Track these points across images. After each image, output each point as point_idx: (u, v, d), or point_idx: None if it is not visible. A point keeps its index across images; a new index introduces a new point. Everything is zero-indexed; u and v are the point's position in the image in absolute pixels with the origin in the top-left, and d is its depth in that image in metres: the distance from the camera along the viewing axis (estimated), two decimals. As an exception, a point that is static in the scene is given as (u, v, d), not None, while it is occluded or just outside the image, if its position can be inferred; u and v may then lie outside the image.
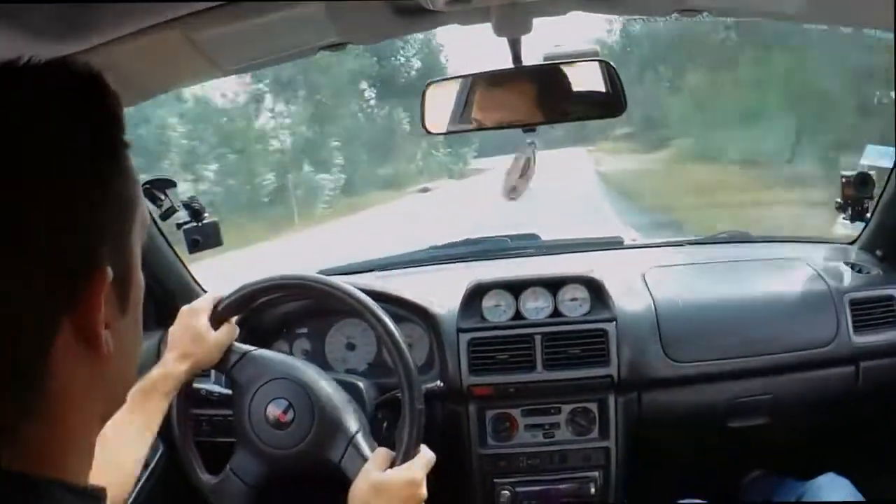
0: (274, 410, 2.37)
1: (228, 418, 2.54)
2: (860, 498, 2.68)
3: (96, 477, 1.01)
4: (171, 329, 2.41)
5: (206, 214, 3.04)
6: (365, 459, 2.21)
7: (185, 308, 2.45)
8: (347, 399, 2.44)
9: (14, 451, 0.90)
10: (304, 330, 3.04)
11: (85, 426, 0.99)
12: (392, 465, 2.18)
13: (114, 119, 0.99)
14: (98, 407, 1.00)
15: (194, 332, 2.37)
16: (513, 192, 2.69)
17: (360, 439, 2.32)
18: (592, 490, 2.89)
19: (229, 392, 2.53)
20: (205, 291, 3.26)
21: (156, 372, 2.25)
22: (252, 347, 2.49)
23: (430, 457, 2.24)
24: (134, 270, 1.03)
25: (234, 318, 2.49)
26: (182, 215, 3.02)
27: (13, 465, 0.89)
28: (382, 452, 2.21)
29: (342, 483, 2.21)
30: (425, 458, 2.23)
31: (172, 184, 2.99)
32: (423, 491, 2.15)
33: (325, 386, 2.42)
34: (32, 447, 0.91)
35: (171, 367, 2.28)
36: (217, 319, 2.42)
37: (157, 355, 2.96)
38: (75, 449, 0.97)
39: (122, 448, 2.00)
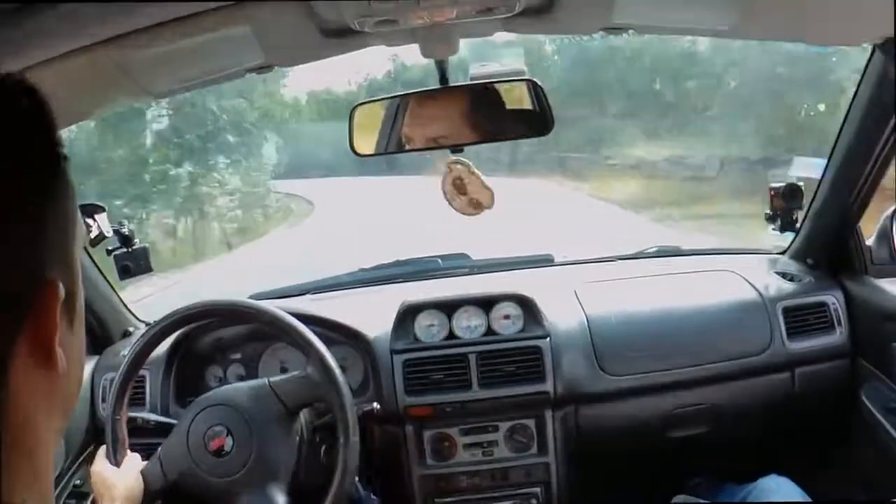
0: (214, 434, 2.35)
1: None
2: (805, 497, 2.71)
3: None
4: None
5: (136, 241, 3.00)
6: None
7: (93, 472, 2.39)
8: (287, 464, 2.43)
9: None
10: (238, 355, 3.00)
11: (42, 445, 0.95)
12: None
13: (53, 133, 0.96)
14: (53, 424, 0.97)
15: (109, 484, 2.31)
16: (468, 209, 2.66)
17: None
18: None
19: (166, 420, 2.51)
20: (135, 316, 3.24)
21: None
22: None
23: None
24: (78, 282, 0.99)
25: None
26: (112, 241, 2.98)
27: None
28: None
29: None
30: None
31: (102, 209, 2.94)
32: None
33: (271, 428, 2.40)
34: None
35: None
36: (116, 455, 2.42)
37: (91, 384, 2.95)
38: (33, 471, 0.93)
39: None
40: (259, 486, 2.33)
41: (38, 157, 0.93)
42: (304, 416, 2.57)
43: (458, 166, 2.55)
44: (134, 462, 2.41)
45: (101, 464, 2.35)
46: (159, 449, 2.42)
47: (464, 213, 2.61)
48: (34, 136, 0.94)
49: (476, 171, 2.56)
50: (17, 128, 0.92)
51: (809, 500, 2.70)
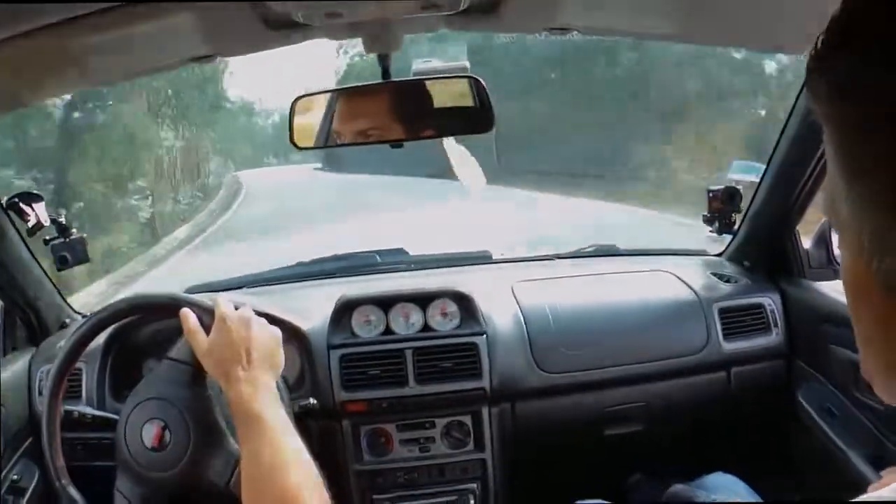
0: (149, 432, 2.31)
1: (103, 441, 2.46)
2: (753, 495, 2.74)
3: None
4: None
5: (72, 230, 2.97)
6: None
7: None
8: (228, 417, 2.40)
9: None
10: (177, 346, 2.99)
11: None
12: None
13: None
14: None
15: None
16: None
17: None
18: (472, 502, 2.91)
19: (103, 413, 2.48)
20: (72, 308, 3.21)
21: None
22: None
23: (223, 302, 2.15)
24: None
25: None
26: (49, 231, 2.96)
27: None
28: (192, 322, 2.11)
29: None
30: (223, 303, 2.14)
31: (40, 198, 2.89)
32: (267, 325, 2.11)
33: (202, 404, 2.35)
34: None
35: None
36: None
37: (29, 373, 2.91)
38: None
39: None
40: (213, 452, 2.31)
41: None
42: None
43: None
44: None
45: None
46: (116, 487, 2.35)
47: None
48: None
49: None
50: None
51: (758, 498, 2.74)
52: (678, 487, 2.92)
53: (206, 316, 2.14)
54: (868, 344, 0.85)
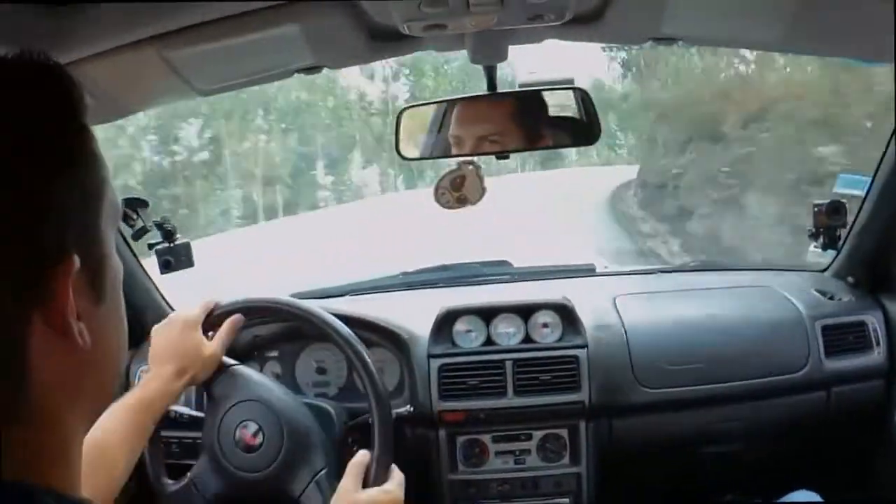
0: (244, 432, 2.35)
1: (197, 441, 2.50)
2: None
3: (84, 482, 1.00)
4: (161, 338, 2.32)
5: (177, 235, 3.01)
6: (326, 499, 2.19)
7: (177, 317, 2.36)
8: (319, 432, 2.43)
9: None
10: (275, 353, 3.01)
11: (72, 427, 0.96)
12: (365, 483, 2.14)
13: (72, 105, 0.97)
14: (84, 404, 0.97)
15: (192, 346, 2.29)
16: (454, 204, 2.64)
17: (324, 477, 2.32)
18: None
19: (199, 414, 2.51)
20: (172, 309, 3.25)
21: (151, 390, 2.16)
22: (234, 362, 2.48)
23: (401, 477, 2.21)
24: (107, 257, 1.00)
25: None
26: (154, 235, 3.00)
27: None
28: (358, 468, 2.15)
29: None
30: (401, 476, 2.21)
31: (145, 203, 2.95)
32: None
33: (299, 416, 2.41)
34: (19, 454, 0.89)
35: (170, 382, 2.20)
36: (209, 328, 2.39)
37: (127, 374, 2.95)
38: (63, 454, 0.94)
39: (111, 463, 1.93)
40: (301, 466, 2.34)
41: (53, 130, 0.93)
42: (337, 417, 2.58)
43: (469, 167, 2.54)
44: (226, 341, 2.40)
45: (195, 329, 2.34)
46: (189, 474, 2.42)
47: (446, 207, 2.60)
48: (50, 108, 0.94)
49: (482, 173, 2.56)
50: (31, 101, 0.93)
51: None
52: None
53: None
54: None
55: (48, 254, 0.89)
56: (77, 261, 0.91)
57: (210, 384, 2.41)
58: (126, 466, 2.01)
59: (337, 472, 2.28)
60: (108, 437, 1.94)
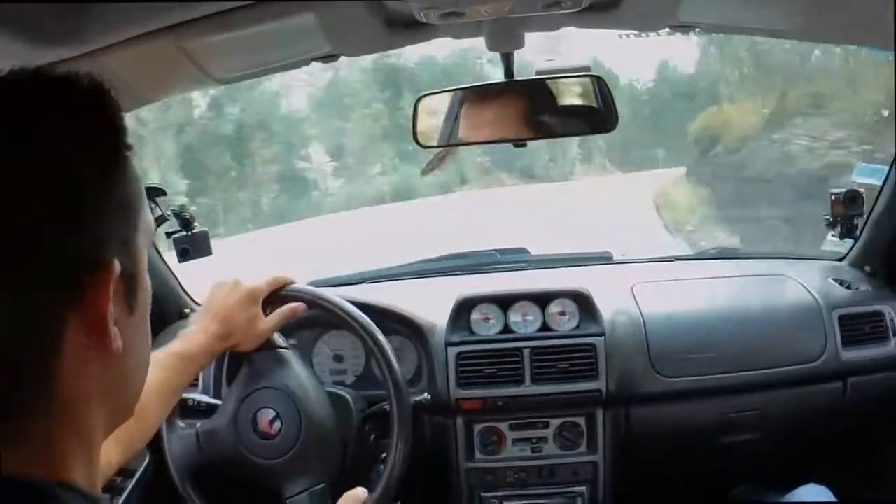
0: (263, 418, 2.37)
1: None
2: None
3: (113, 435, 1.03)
4: (220, 296, 2.30)
5: (195, 224, 3.03)
6: None
7: (243, 285, 2.33)
8: (335, 444, 2.45)
9: (23, 454, 0.90)
10: (293, 341, 2.99)
11: (94, 429, 0.99)
12: None
13: (115, 125, 1.01)
14: (107, 409, 1.01)
15: (246, 317, 2.28)
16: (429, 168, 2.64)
17: (318, 494, 2.35)
18: None
19: (216, 402, 2.52)
20: (192, 299, 3.26)
21: (198, 343, 2.16)
22: (284, 344, 2.50)
23: None
24: (141, 272, 1.04)
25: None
26: (172, 224, 3.01)
27: (22, 469, 0.90)
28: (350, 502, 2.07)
29: None
30: None
31: (163, 192, 2.96)
32: None
33: (322, 420, 2.43)
34: (42, 449, 0.92)
35: (214, 342, 2.20)
36: (268, 304, 2.38)
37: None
38: (84, 452, 0.97)
39: (148, 401, 1.89)
40: (303, 473, 2.35)
41: (99, 146, 0.98)
42: (354, 404, 2.59)
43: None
44: (282, 320, 2.40)
45: (257, 302, 2.34)
46: (198, 426, 2.44)
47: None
48: (96, 128, 0.98)
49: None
50: (79, 120, 0.97)
51: None
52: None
53: None
54: None
55: (89, 259, 0.93)
56: (118, 266, 0.95)
57: (252, 357, 2.43)
58: (158, 417, 2.04)
59: (332, 495, 2.28)
60: (149, 381, 1.96)
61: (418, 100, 2.53)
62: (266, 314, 2.36)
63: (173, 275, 3.21)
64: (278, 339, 2.46)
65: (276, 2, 1.82)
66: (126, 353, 0.97)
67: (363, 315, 2.42)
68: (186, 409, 2.51)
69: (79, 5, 1.51)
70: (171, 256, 3.09)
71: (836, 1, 1.89)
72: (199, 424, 2.44)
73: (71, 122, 0.96)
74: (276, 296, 2.40)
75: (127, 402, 1.07)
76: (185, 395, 2.50)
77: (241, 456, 2.39)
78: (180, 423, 2.46)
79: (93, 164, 0.95)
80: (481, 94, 2.51)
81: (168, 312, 3.15)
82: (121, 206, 0.99)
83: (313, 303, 2.50)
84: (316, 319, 2.91)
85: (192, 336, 2.19)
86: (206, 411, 2.53)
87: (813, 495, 2.76)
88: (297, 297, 2.45)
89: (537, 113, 2.47)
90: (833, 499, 2.73)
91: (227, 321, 2.25)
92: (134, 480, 2.74)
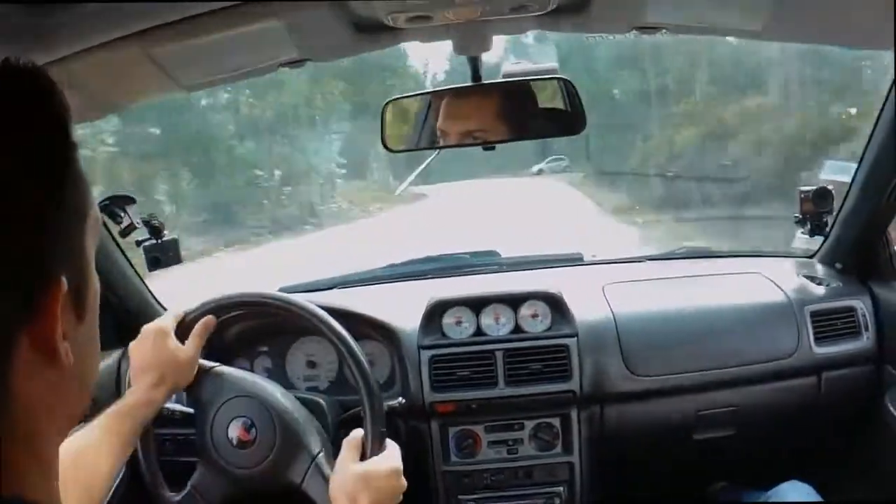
0: (236, 429, 2.34)
1: (191, 437, 2.49)
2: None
3: (66, 497, 1.00)
4: (137, 351, 2.29)
5: (165, 232, 3.01)
6: (327, 480, 2.18)
7: (149, 328, 2.33)
8: (310, 418, 2.42)
9: None
10: (265, 348, 3.01)
11: (48, 440, 0.95)
12: (363, 456, 2.14)
13: (60, 121, 0.93)
14: (63, 417, 0.97)
15: (167, 355, 2.27)
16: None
17: (323, 460, 2.30)
18: None
19: (191, 410, 2.51)
20: (164, 308, 3.24)
21: (132, 398, 2.16)
22: (214, 364, 2.46)
23: (396, 447, 2.23)
24: (89, 276, 0.99)
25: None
26: (142, 233, 2.99)
27: None
28: (355, 442, 2.15)
29: None
30: (396, 447, 2.22)
31: (132, 200, 2.94)
32: (404, 480, 2.14)
33: (288, 405, 2.39)
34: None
35: (149, 393, 2.19)
36: (183, 335, 2.35)
37: (118, 374, 2.94)
38: (38, 465, 0.93)
39: (94, 470, 1.92)
40: (295, 452, 2.34)
41: (43, 151, 0.91)
42: (329, 410, 2.58)
43: None
44: (199, 343, 2.38)
45: (167, 337, 2.30)
46: (190, 482, 2.40)
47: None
48: (40, 128, 0.91)
49: None
50: (18, 115, 0.89)
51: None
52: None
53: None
54: None
55: (38, 276, 0.88)
56: (65, 283, 0.90)
57: (193, 389, 2.40)
58: (107, 476, 2.00)
59: (333, 454, 2.25)
60: (88, 446, 1.94)
61: (386, 104, 2.52)
62: (185, 344, 2.35)
63: (145, 285, 3.18)
64: (204, 363, 2.43)
65: (244, 8, 1.81)
66: (76, 361, 0.92)
67: (333, 320, 2.41)
68: (161, 419, 2.49)
69: (44, 12, 1.50)
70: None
71: (802, 1, 1.90)
72: (190, 482, 2.40)
73: (9, 119, 0.88)
74: (184, 322, 2.39)
75: (78, 410, 1.02)
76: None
77: (240, 476, 2.36)
78: (169, 493, 2.41)
79: (36, 166, 0.89)
80: (449, 98, 2.51)
81: (140, 322, 3.12)
82: (69, 210, 0.93)
83: (266, 305, 2.50)
84: (288, 325, 2.90)
85: (128, 394, 2.20)
86: (182, 421, 2.51)
87: (794, 491, 2.77)
88: (204, 311, 2.43)
89: (506, 116, 2.47)
90: (814, 494, 2.75)
91: (152, 368, 2.24)
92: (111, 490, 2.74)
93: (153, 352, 2.27)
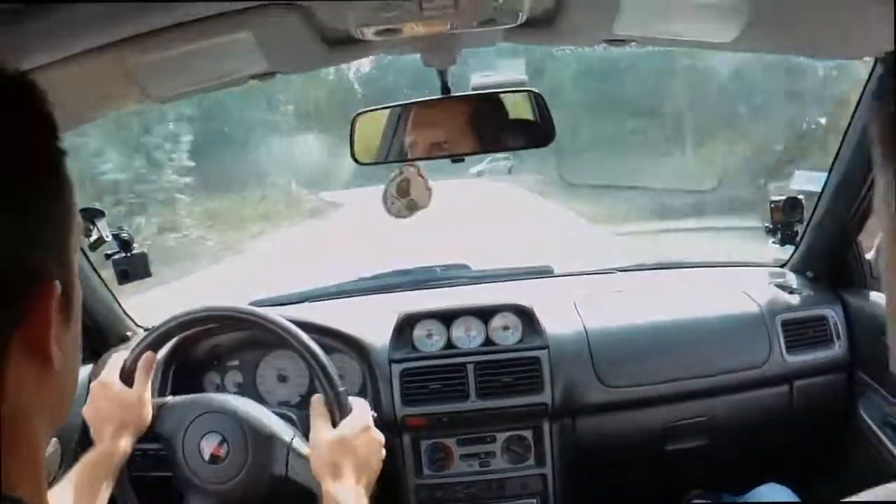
0: (208, 447, 2.31)
1: (160, 452, 2.43)
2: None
3: None
4: (89, 412, 2.28)
5: (135, 245, 3.00)
6: (307, 458, 2.17)
7: (93, 385, 2.33)
8: (271, 413, 2.40)
9: None
10: (236, 362, 2.99)
11: (37, 442, 0.96)
12: (333, 420, 2.13)
13: (49, 126, 0.95)
14: (48, 418, 0.98)
15: (117, 403, 2.26)
16: (405, 211, 2.63)
17: (298, 443, 2.26)
18: None
19: (159, 445, 2.48)
20: (134, 322, 3.22)
21: (96, 452, 2.15)
22: (166, 399, 2.43)
23: (363, 402, 2.22)
24: (75, 280, 1.00)
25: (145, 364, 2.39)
26: (111, 246, 2.98)
27: None
28: (321, 410, 2.14)
29: (300, 495, 2.18)
30: (363, 401, 2.21)
31: (101, 214, 2.93)
32: (380, 434, 2.14)
33: (249, 407, 2.36)
34: None
35: (113, 445, 2.17)
36: (129, 378, 2.33)
37: (87, 390, 2.92)
38: (28, 466, 0.93)
39: None
40: (270, 452, 2.32)
41: (36, 156, 0.92)
42: (300, 424, 2.56)
43: (411, 168, 2.54)
44: (146, 379, 2.35)
45: (113, 385, 2.29)
46: None
47: (398, 216, 2.60)
48: (32, 133, 0.92)
49: (423, 173, 2.55)
50: (14, 125, 0.90)
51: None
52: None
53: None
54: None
55: (32, 279, 0.89)
56: (59, 286, 0.91)
57: (154, 427, 2.36)
58: None
59: (305, 435, 2.24)
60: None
61: (356, 116, 2.51)
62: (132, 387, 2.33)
63: (114, 297, 3.16)
64: (157, 399, 2.40)
65: (214, 20, 1.80)
66: (63, 367, 0.93)
67: (303, 333, 2.39)
68: (136, 464, 2.45)
69: (18, 21, 1.49)
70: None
71: (771, 13, 1.90)
72: None
73: (3, 130, 0.89)
74: (126, 368, 2.36)
75: (62, 413, 1.03)
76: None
77: (227, 493, 2.32)
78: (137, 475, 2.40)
79: (29, 171, 0.90)
80: (419, 111, 2.50)
81: (109, 337, 3.11)
82: (58, 214, 0.94)
83: (235, 319, 2.47)
84: (258, 340, 2.89)
85: (94, 448, 2.18)
86: (156, 458, 2.48)
87: (772, 493, 2.78)
88: (143, 347, 2.40)
89: (475, 128, 2.47)
90: (792, 496, 2.76)
91: (108, 420, 2.23)
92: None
93: (104, 405, 2.26)
